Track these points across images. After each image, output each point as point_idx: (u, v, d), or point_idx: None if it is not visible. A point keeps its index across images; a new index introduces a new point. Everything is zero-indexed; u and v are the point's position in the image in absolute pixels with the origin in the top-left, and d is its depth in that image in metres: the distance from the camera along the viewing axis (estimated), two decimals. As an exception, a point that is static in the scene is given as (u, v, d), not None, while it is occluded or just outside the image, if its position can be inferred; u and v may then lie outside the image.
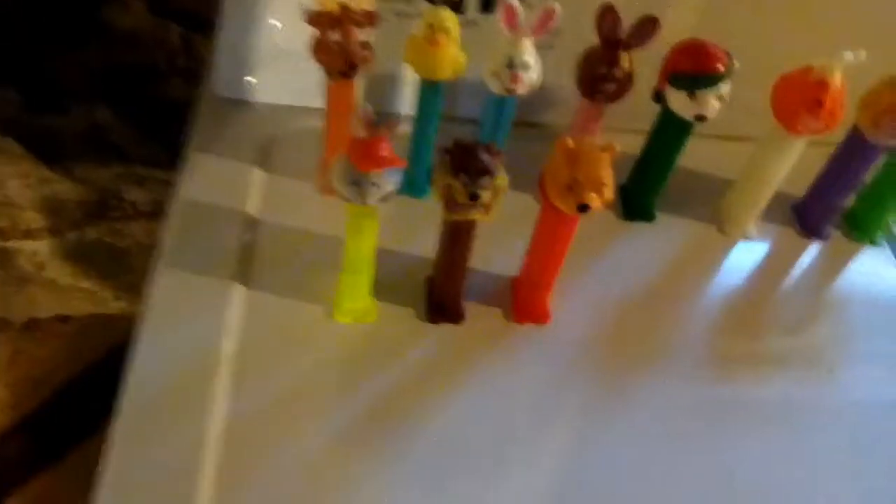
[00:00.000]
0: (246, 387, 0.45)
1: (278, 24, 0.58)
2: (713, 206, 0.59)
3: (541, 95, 0.58)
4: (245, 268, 0.51)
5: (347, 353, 0.48)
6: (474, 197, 0.41)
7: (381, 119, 0.41)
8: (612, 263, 0.56)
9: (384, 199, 0.42)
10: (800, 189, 0.60)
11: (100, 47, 0.95)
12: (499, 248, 0.51)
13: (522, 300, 0.51)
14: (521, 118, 0.56)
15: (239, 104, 0.60)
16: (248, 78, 0.59)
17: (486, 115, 0.55)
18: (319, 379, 0.46)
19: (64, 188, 0.86)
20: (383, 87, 0.62)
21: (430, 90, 0.51)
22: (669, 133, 0.54)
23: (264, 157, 0.57)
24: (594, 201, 0.42)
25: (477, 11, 0.59)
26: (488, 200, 0.42)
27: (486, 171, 0.41)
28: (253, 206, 0.54)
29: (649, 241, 0.57)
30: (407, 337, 0.49)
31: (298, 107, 0.59)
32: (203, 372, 0.45)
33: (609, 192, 0.43)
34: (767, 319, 0.54)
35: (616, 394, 0.49)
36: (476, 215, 0.43)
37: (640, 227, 0.58)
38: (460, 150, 0.41)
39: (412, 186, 0.53)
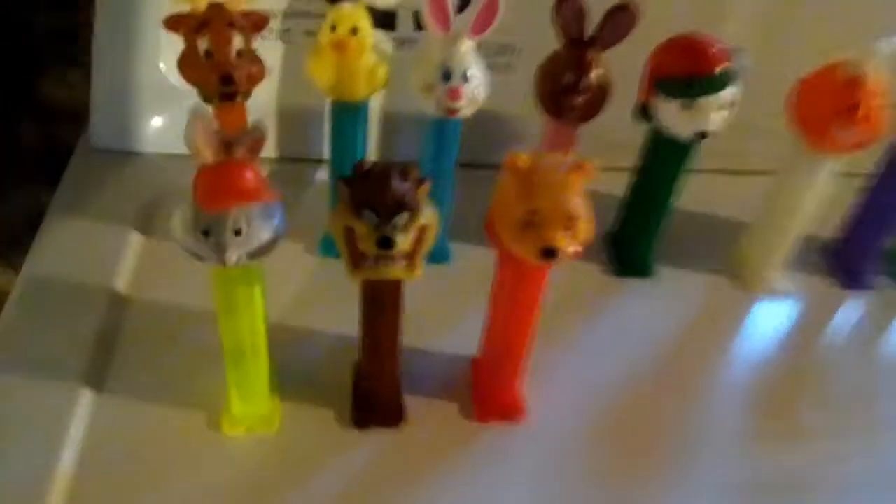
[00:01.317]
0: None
1: (166, 60, 0.49)
2: (726, 254, 0.51)
3: (499, 128, 0.50)
4: (101, 364, 0.41)
5: (240, 477, 0.37)
6: (386, 243, 0.28)
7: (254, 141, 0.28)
8: (602, 333, 0.46)
9: (256, 253, 0.29)
10: (832, 229, 0.52)
11: (35, 126, 0.86)
12: (451, 320, 0.43)
13: (486, 389, 0.40)
14: (475, 157, 0.46)
15: (120, 156, 0.52)
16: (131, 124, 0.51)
17: (425, 148, 0.43)
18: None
19: (6, 283, 0.76)
20: (303, 128, 0.51)
21: (348, 114, 0.41)
22: (663, 160, 0.44)
23: (145, 219, 0.49)
24: (563, 242, 0.29)
25: (412, 28, 0.47)
26: (408, 247, 0.29)
27: (402, 205, 0.28)
28: (122, 282, 0.45)
29: (649, 301, 0.48)
30: (324, 451, 0.38)
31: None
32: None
33: (585, 229, 0.30)
34: (806, 393, 0.44)
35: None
36: (395, 272, 0.30)
37: (635, 285, 0.49)
38: (364, 176, 0.29)
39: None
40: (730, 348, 0.47)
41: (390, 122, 0.51)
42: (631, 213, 0.49)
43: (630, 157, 0.47)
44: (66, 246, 0.46)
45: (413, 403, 0.40)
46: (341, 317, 0.42)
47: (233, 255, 0.28)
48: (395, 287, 0.32)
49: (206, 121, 0.27)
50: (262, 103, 0.51)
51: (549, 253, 0.29)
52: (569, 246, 0.30)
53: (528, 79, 0.42)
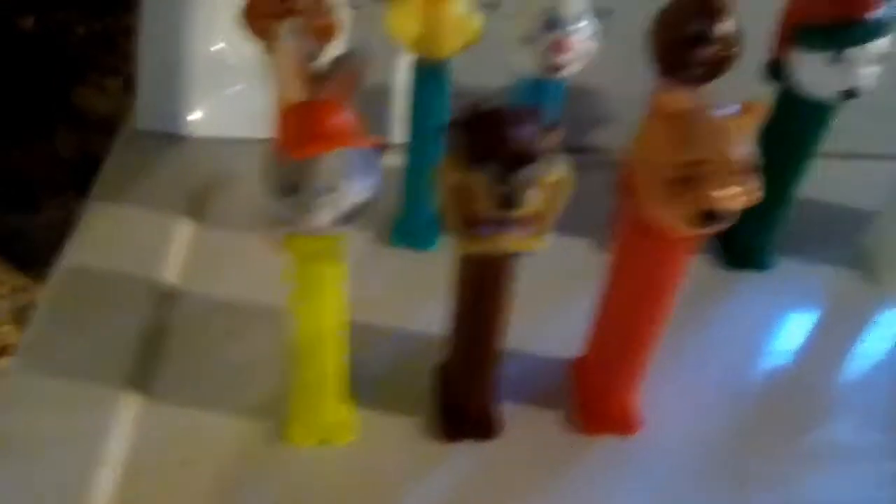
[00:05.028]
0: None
1: (217, 40, 0.47)
2: (855, 246, 0.46)
3: (593, 99, 0.44)
4: (147, 367, 0.36)
5: (311, 496, 0.32)
6: (511, 202, 0.22)
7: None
8: (715, 333, 0.41)
9: (349, 217, 0.24)
10: None
11: (71, 135, 0.85)
12: (542, 315, 0.38)
13: (594, 396, 0.35)
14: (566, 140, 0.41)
15: (167, 140, 0.48)
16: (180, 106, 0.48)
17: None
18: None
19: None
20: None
21: (431, 76, 0.36)
22: (794, 128, 0.38)
23: (196, 206, 0.45)
24: (730, 204, 0.23)
25: None
26: (539, 209, 0.23)
27: (530, 155, 0.22)
28: (172, 273, 0.41)
29: (767, 298, 0.43)
30: (407, 466, 0.33)
31: (245, 139, 0.46)
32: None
33: (755, 187, 0.24)
34: None
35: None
36: (519, 242, 0.24)
37: (750, 280, 0.44)
38: (482, 121, 0.23)
39: (412, 235, 0.41)
40: (859, 351, 0.41)
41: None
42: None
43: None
44: (107, 236, 0.42)
45: (508, 412, 0.35)
46: (420, 314, 0.38)
47: (326, 215, 0.23)
48: (507, 264, 0.27)
49: (300, 46, 0.22)
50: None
51: (711, 217, 0.23)
52: (735, 205, 0.24)
53: (626, 27, 0.37)
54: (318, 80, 0.22)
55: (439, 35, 0.34)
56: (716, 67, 0.36)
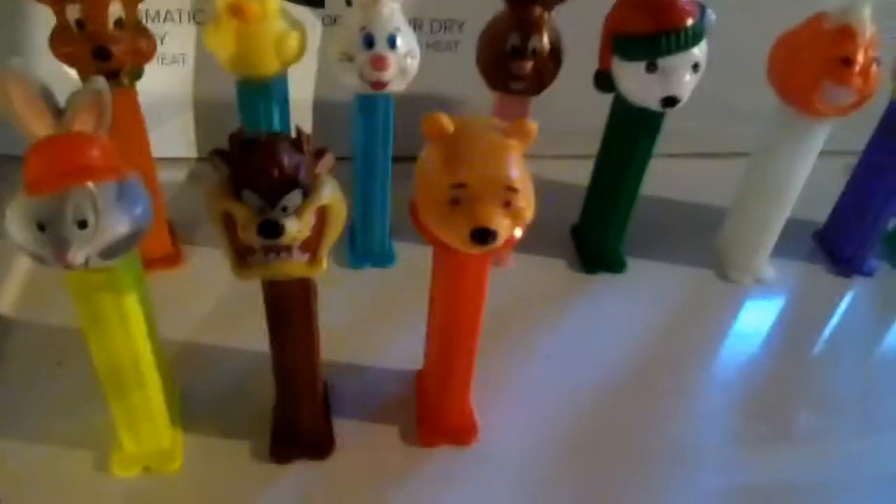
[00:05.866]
0: None
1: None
2: (706, 244, 0.47)
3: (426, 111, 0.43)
4: None
5: None
6: (271, 231, 0.22)
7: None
8: (571, 336, 0.41)
9: (111, 251, 0.23)
10: (820, 212, 0.49)
11: None
12: (396, 331, 0.39)
13: (430, 407, 0.35)
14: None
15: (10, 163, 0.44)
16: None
17: (353, 133, 0.37)
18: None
19: None
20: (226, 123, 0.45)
21: (253, 96, 0.35)
22: (628, 135, 0.39)
23: None
24: (498, 222, 0.23)
25: (343, 4, 0.42)
26: (304, 235, 0.23)
27: (291, 182, 0.22)
28: (6, 302, 0.39)
29: (622, 299, 0.44)
30: (236, 490, 0.32)
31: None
32: None
33: (524, 206, 0.24)
34: (798, 392, 0.39)
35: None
36: (292, 267, 0.24)
37: (605, 281, 0.44)
38: (242, 148, 0.23)
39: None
40: (713, 347, 0.42)
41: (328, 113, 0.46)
42: (596, 199, 0.44)
43: (595, 144, 0.42)
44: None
45: (347, 428, 0.35)
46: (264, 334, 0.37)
47: (78, 255, 0.22)
48: (301, 289, 0.26)
49: (23, 77, 0.21)
50: (175, 97, 0.45)
51: (483, 235, 0.24)
52: (505, 226, 0.24)
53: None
54: (59, 113, 0.22)
55: (255, 54, 0.33)
56: (539, 79, 0.36)
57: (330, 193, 0.24)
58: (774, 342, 0.42)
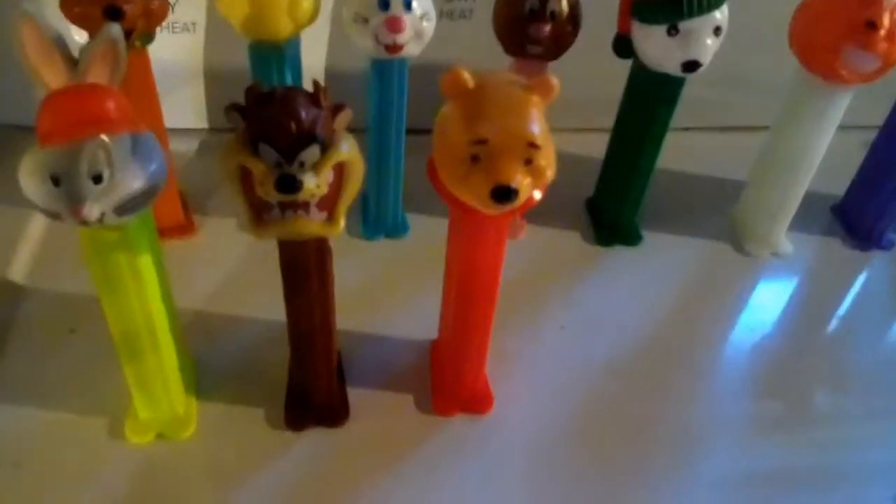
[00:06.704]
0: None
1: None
2: (723, 217, 0.46)
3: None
4: None
5: (148, 493, 0.31)
6: (289, 185, 0.22)
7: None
8: (586, 308, 0.40)
9: (126, 208, 0.23)
10: (838, 186, 0.48)
11: None
12: (410, 300, 0.38)
13: (446, 377, 0.34)
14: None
15: (20, 132, 0.43)
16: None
17: (368, 100, 0.37)
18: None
19: None
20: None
21: (266, 60, 0.35)
22: (646, 102, 0.38)
23: None
24: (519, 181, 0.23)
25: None
26: (322, 191, 0.23)
27: (309, 136, 0.22)
28: (19, 270, 0.39)
29: (637, 272, 0.43)
30: (250, 457, 0.32)
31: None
32: None
33: (546, 165, 0.23)
34: (817, 371, 0.39)
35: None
36: (309, 225, 0.23)
37: (621, 254, 0.44)
38: (259, 104, 0.22)
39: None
40: (729, 320, 0.41)
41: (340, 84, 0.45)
42: (613, 170, 0.43)
43: (611, 116, 0.41)
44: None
45: (362, 397, 0.34)
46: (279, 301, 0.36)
47: (93, 210, 0.22)
48: (317, 250, 0.26)
49: (37, 24, 0.20)
50: (186, 66, 0.45)
51: (503, 193, 0.23)
52: (527, 184, 0.23)
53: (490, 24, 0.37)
54: (73, 64, 0.21)
55: (268, 16, 0.32)
56: (557, 43, 0.35)
57: (348, 149, 0.23)
58: (790, 316, 0.42)
